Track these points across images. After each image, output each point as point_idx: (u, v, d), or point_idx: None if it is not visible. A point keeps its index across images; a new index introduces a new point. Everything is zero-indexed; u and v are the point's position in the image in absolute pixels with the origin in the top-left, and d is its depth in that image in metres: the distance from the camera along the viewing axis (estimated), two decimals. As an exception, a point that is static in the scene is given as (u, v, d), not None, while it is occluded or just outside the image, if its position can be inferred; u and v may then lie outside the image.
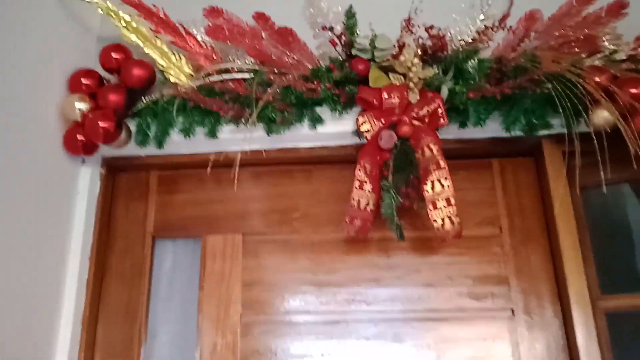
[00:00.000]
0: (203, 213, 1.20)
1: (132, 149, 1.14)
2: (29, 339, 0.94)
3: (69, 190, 1.09)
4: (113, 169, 1.21)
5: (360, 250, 1.16)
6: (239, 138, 1.12)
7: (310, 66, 1.13)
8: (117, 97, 1.06)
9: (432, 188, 1.00)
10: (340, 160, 1.20)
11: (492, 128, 1.11)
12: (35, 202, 0.97)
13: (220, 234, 1.18)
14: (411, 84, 1.05)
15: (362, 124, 1.04)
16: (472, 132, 1.13)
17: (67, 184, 1.09)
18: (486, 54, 1.10)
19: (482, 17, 1.08)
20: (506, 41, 1.09)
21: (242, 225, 1.19)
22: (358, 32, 1.10)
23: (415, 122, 1.05)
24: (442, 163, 1.00)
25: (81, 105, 1.03)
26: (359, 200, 1.02)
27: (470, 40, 1.05)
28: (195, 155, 1.18)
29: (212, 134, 1.11)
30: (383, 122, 1.04)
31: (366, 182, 1.02)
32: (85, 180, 1.13)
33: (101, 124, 1.01)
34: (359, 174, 1.02)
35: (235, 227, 1.18)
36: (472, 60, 1.06)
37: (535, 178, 1.20)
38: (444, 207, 1.00)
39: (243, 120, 1.10)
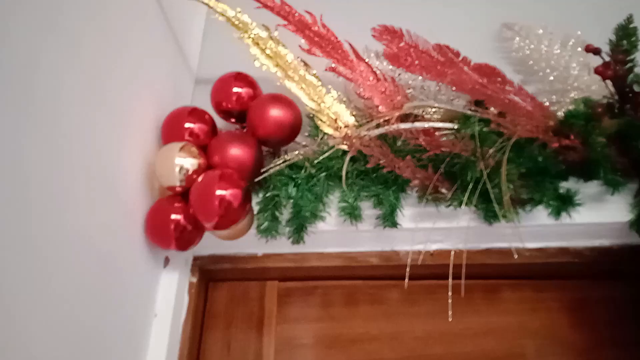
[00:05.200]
0: (361, 357, 0.73)
1: (242, 244, 0.71)
2: None
3: (142, 311, 0.65)
4: (208, 277, 0.78)
5: None
6: (429, 229, 0.70)
7: (543, 115, 0.73)
8: (246, 151, 0.66)
9: None
10: (594, 272, 0.75)
11: None
12: (87, 334, 0.53)
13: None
14: None
15: (682, 205, 0.60)
16: None
17: (139, 299, 0.65)
18: None
19: None
20: None
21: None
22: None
23: None
24: None
25: (186, 162, 0.63)
26: None
27: None
28: (347, 256, 0.74)
29: (391, 219, 0.69)
30: None
31: None
32: (168, 294, 0.70)
33: (221, 193, 0.60)
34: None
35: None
36: None
37: None
38: None
39: (446, 196, 0.68)
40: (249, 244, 0.72)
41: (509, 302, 0.77)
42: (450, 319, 0.60)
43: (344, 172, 0.65)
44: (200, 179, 0.63)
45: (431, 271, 0.72)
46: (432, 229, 0.72)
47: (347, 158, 0.65)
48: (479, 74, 0.77)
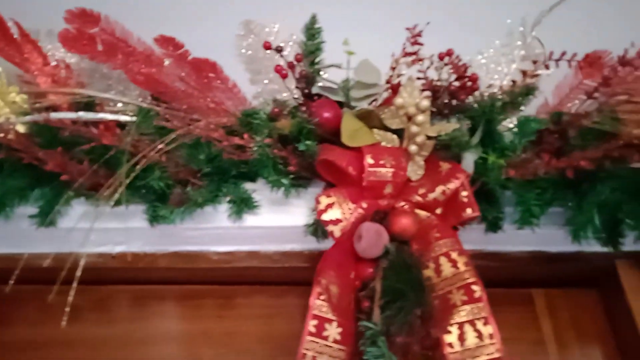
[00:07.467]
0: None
1: None
2: None
3: None
4: None
5: None
6: (107, 229, 0.67)
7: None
8: None
9: (461, 339, 0.55)
10: (279, 279, 0.75)
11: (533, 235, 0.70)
12: None
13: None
14: (413, 147, 0.64)
15: (325, 208, 0.60)
16: (500, 240, 0.71)
17: None
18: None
19: (522, 52, 0.72)
20: (560, 92, 0.72)
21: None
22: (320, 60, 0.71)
23: (421, 212, 0.63)
24: (478, 291, 0.56)
25: None
26: (314, 359, 0.55)
27: (511, 84, 0.68)
28: (13, 257, 0.69)
29: (44, 217, 0.64)
30: (364, 207, 0.61)
31: (331, 321, 0.55)
32: None
33: None
34: (317, 304, 0.56)
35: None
36: (513, 116, 0.68)
37: (606, 323, 0.77)
38: (485, 375, 0.54)
39: (106, 195, 0.64)
40: None
41: (209, 307, 0.75)
42: (63, 325, 0.56)
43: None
44: None
45: (120, 275, 0.68)
46: (111, 229, 0.68)
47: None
48: (193, 69, 0.74)
